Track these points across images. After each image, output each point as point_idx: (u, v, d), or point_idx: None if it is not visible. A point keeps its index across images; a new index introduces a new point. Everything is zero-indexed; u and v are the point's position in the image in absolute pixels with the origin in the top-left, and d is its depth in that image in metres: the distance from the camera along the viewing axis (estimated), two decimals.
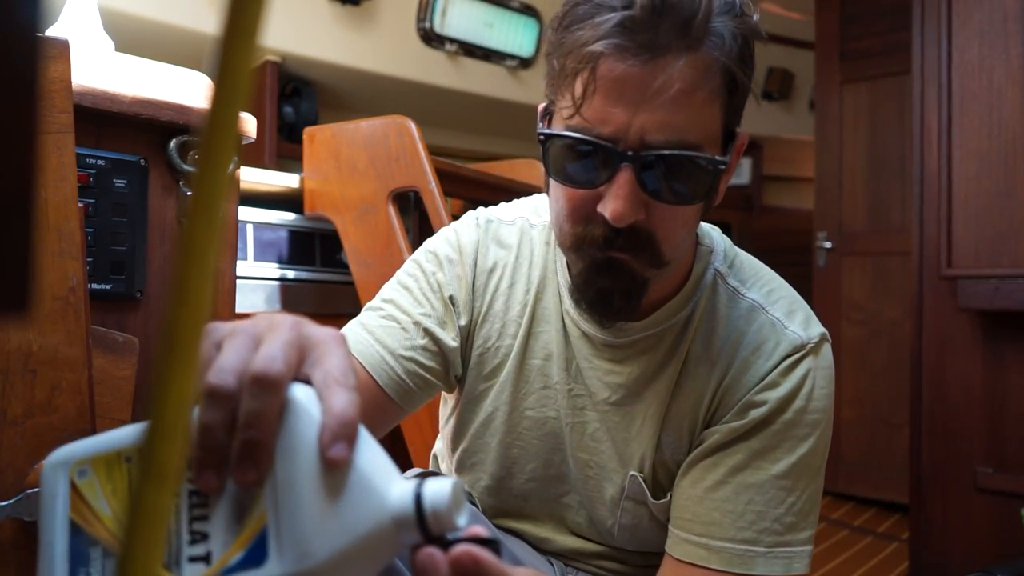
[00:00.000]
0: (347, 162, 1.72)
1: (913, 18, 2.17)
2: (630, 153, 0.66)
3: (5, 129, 0.19)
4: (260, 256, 1.69)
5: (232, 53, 0.19)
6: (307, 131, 1.80)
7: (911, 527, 2.17)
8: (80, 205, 0.81)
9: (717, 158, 0.68)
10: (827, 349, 0.79)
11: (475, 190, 1.91)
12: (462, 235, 0.88)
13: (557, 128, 0.70)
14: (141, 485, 0.20)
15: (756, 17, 0.70)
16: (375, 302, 0.87)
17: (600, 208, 0.68)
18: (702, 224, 0.83)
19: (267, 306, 1.68)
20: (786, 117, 4.45)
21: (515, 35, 3.36)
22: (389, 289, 0.88)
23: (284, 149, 2.86)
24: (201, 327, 0.20)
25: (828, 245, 3.19)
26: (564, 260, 0.83)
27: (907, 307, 2.76)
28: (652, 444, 0.81)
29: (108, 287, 1.03)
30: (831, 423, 0.79)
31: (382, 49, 3.00)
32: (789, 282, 0.84)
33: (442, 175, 1.67)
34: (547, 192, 0.77)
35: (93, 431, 0.81)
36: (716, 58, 0.66)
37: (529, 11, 3.35)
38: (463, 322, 0.86)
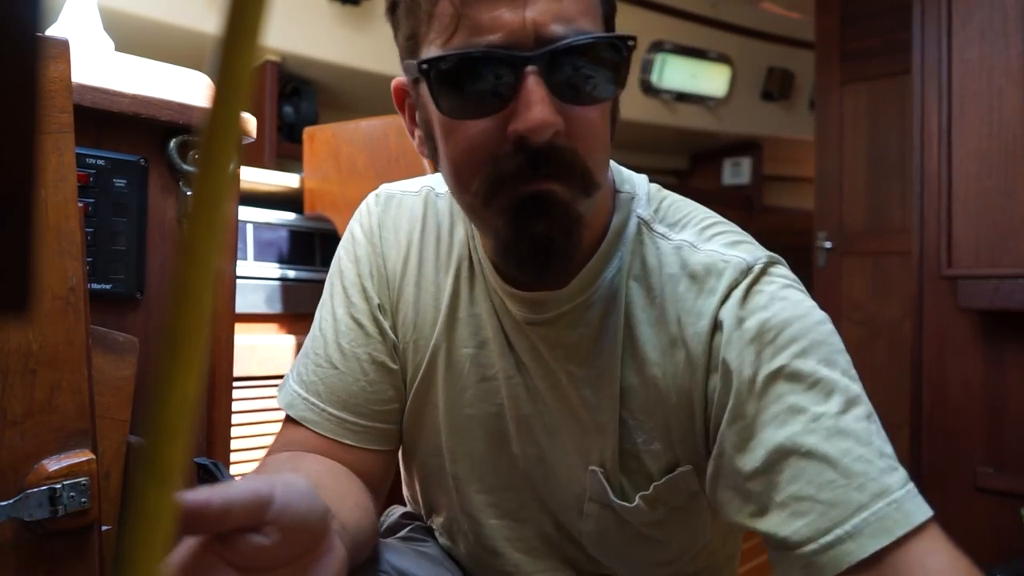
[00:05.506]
0: (347, 162, 1.72)
1: (913, 18, 2.17)
2: (530, 54, 0.56)
3: (5, 129, 0.19)
4: (260, 256, 1.69)
5: (233, 53, 0.19)
6: (307, 131, 1.80)
7: None
8: (80, 205, 0.81)
9: (625, 35, 0.59)
10: (782, 268, 0.67)
11: None
12: (363, 225, 0.81)
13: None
14: (143, 486, 0.20)
15: None
16: (309, 346, 0.79)
17: (512, 128, 0.57)
18: (622, 169, 0.74)
19: (267, 306, 1.68)
20: (786, 117, 4.44)
21: None
22: (318, 327, 0.80)
23: (284, 149, 2.86)
24: (202, 327, 0.20)
25: (828, 245, 3.19)
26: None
27: (907, 307, 2.76)
28: (612, 430, 0.69)
29: (108, 287, 1.03)
30: (833, 327, 0.68)
31: (382, 49, 3.00)
32: None
33: None
34: (434, 164, 0.68)
35: (93, 431, 0.80)
36: None
37: None
38: (388, 323, 0.78)
